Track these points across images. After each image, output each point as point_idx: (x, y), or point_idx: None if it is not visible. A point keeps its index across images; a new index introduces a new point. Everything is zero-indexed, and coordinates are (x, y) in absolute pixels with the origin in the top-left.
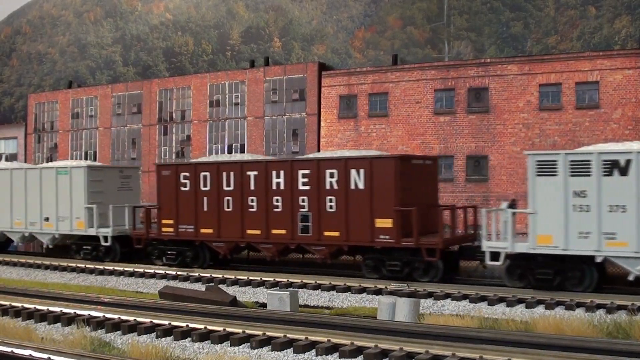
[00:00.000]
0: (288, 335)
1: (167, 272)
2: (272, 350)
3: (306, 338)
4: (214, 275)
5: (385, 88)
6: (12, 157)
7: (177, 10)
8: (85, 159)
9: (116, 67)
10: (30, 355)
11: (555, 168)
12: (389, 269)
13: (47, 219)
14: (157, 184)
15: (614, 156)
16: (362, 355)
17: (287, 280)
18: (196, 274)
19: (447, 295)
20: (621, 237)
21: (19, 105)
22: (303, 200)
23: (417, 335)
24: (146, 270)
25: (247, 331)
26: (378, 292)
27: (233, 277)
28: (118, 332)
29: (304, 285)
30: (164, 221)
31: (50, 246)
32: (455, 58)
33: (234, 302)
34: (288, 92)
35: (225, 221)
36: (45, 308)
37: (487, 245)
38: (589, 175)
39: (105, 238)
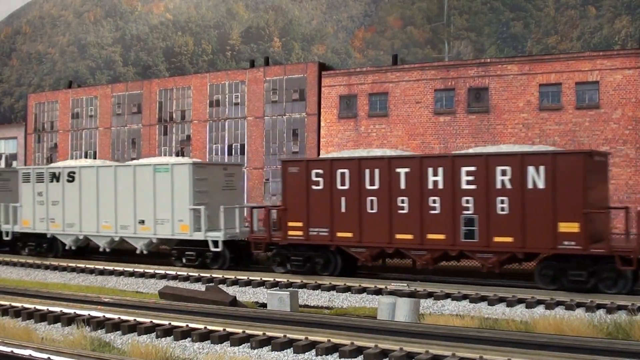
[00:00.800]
0: (288, 335)
1: (167, 272)
2: (272, 350)
3: (306, 338)
4: (214, 275)
5: (385, 88)
6: (12, 157)
7: (177, 10)
8: (86, 159)
9: (116, 67)
10: (30, 355)
11: None
12: (572, 279)
13: (142, 222)
14: (283, 182)
15: None
16: (362, 355)
17: (287, 280)
18: (196, 274)
19: (447, 295)
20: None
21: (19, 105)
22: (467, 202)
23: (417, 335)
24: (146, 270)
25: (247, 331)
26: (378, 292)
27: (233, 277)
28: (118, 332)
29: (304, 285)
30: (290, 224)
31: (145, 252)
32: (455, 58)
33: (234, 302)
34: (288, 92)
35: (369, 224)
36: (45, 308)
37: None
38: None
39: (215, 243)
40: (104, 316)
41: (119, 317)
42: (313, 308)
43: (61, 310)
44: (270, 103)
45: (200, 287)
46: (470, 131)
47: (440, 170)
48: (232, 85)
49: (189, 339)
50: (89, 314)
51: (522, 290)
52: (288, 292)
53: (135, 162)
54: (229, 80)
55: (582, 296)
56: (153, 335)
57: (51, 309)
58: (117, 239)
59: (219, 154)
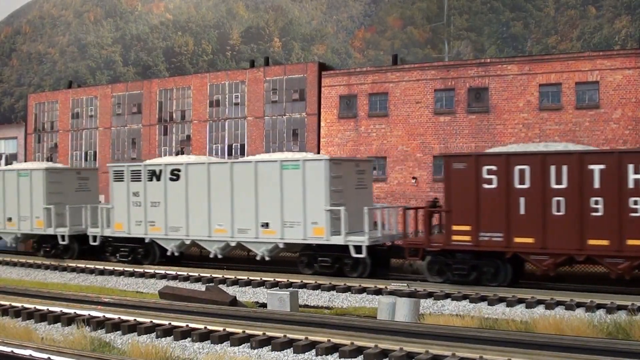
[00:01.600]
0: (288, 335)
1: (167, 272)
2: (272, 350)
3: (306, 338)
4: (214, 275)
5: (385, 88)
6: (12, 157)
7: (177, 10)
8: (85, 159)
9: (116, 67)
10: (30, 355)
11: None
12: None
13: (265, 225)
14: (446, 180)
15: None
16: (362, 355)
17: (287, 280)
18: (196, 274)
19: (447, 295)
20: None
21: (19, 105)
22: None
23: (417, 335)
24: (146, 270)
25: (247, 331)
26: (378, 292)
27: (233, 277)
28: (118, 332)
29: (304, 285)
30: (455, 227)
31: (267, 258)
32: (455, 58)
33: (234, 302)
34: (288, 92)
35: (554, 228)
36: (45, 308)
37: None
38: None
39: (358, 248)
40: (104, 316)
41: (119, 317)
42: (313, 308)
43: (61, 310)
44: (270, 103)
45: (200, 287)
46: (470, 131)
47: None
48: (232, 85)
49: (189, 339)
50: (89, 314)
51: (522, 290)
52: (288, 292)
53: (256, 157)
54: (229, 80)
55: (582, 296)
56: (153, 335)
57: (51, 309)
58: (233, 243)
59: (219, 154)
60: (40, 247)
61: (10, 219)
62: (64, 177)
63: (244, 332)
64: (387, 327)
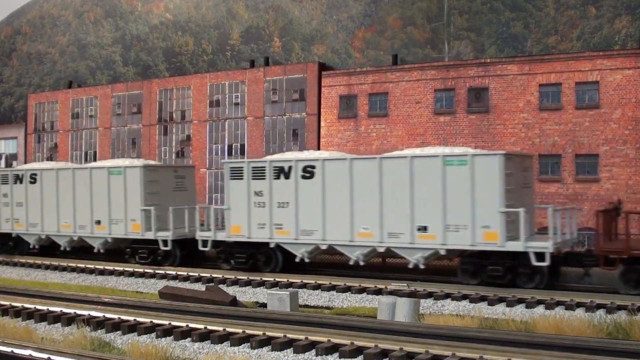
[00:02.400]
0: (288, 335)
1: (167, 272)
2: (272, 350)
3: (306, 338)
4: (214, 275)
5: (385, 88)
6: (12, 157)
7: (177, 10)
8: (85, 159)
9: (116, 67)
10: (30, 355)
11: None
12: None
13: (423, 229)
14: None
15: None
16: (362, 355)
17: (287, 280)
18: (196, 274)
19: (447, 295)
20: None
21: (19, 105)
22: None
23: (417, 335)
24: (146, 270)
25: (247, 331)
26: (378, 292)
27: (233, 277)
28: (118, 332)
29: (304, 285)
30: None
31: (421, 266)
32: (455, 58)
33: (234, 302)
34: (288, 92)
35: None
36: (45, 308)
37: None
38: None
39: (540, 256)
40: (104, 316)
41: (119, 317)
42: (313, 308)
43: (61, 310)
44: (270, 103)
45: (200, 287)
46: (470, 131)
47: None
48: (232, 85)
49: (189, 339)
50: (89, 314)
51: (522, 290)
52: (288, 292)
53: (411, 151)
54: (229, 80)
55: (582, 296)
56: (153, 335)
57: (51, 309)
58: (381, 249)
59: (219, 154)
60: (134, 252)
61: (99, 222)
62: (160, 176)
63: (243, 332)
64: (387, 327)
